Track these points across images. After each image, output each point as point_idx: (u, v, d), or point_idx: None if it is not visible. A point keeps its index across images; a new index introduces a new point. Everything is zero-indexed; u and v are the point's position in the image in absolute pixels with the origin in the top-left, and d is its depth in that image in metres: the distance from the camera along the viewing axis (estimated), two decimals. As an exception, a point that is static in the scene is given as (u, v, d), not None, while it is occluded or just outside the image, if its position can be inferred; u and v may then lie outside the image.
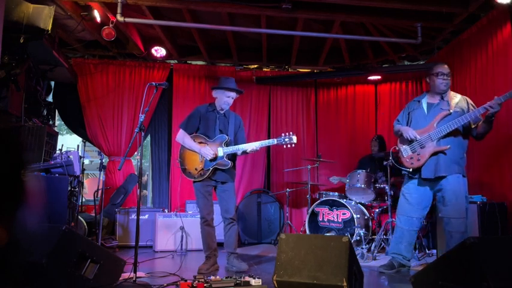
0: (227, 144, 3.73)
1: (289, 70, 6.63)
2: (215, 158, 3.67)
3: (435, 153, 3.45)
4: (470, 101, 3.58)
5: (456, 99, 3.55)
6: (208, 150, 3.65)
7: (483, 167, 4.55)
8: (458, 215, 3.37)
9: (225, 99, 3.80)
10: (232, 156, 3.79)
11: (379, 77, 6.41)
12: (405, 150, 3.62)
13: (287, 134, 3.76)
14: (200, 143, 3.74)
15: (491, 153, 4.39)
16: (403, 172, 3.72)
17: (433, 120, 3.51)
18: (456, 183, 3.41)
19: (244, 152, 3.74)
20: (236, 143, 3.80)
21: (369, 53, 6.04)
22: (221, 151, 3.69)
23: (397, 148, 3.72)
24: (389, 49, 5.88)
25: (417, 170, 3.56)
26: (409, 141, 3.59)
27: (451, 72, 3.62)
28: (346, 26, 5.31)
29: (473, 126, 3.47)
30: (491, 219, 3.89)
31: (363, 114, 6.63)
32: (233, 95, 3.85)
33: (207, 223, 3.75)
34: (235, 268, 3.67)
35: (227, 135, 3.76)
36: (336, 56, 6.25)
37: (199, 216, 3.85)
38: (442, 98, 3.59)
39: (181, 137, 3.80)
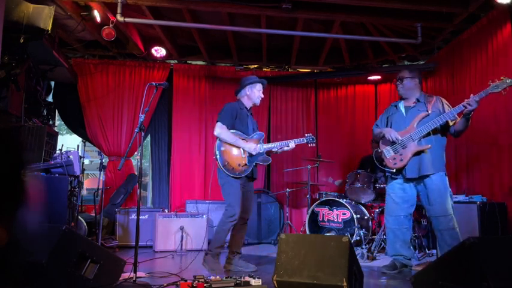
0: (263, 142, 3.83)
1: (289, 70, 6.62)
2: (256, 154, 3.74)
3: (417, 153, 3.50)
4: (444, 101, 3.63)
5: (432, 100, 3.62)
6: (253, 145, 3.71)
7: (483, 167, 4.55)
8: (445, 212, 3.42)
9: (258, 93, 3.86)
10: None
11: (379, 77, 6.41)
12: (388, 151, 3.67)
13: (309, 134, 3.96)
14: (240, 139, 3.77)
15: (492, 154, 4.39)
16: (387, 173, 3.78)
17: (412, 122, 3.57)
18: (440, 181, 3.47)
19: (274, 152, 3.90)
20: None
21: (369, 53, 6.04)
22: (262, 147, 3.76)
23: (379, 150, 3.76)
24: (389, 49, 5.88)
25: (400, 171, 3.62)
26: (391, 143, 3.64)
27: (406, 76, 3.71)
28: (346, 26, 5.31)
29: (451, 124, 3.50)
30: (491, 219, 3.89)
31: (363, 114, 6.63)
32: (261, 87, 3.93)
33: (236, 222, 3.62)
34: (242, 269, 3.62)
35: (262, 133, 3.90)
36: (336, 56, 6.25)
37: (229, 211, 3.59)
38: (418, 101, 3.66)
39: (223, 131, 3.70)
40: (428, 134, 3.49)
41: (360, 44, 5.95)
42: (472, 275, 2.13)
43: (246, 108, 3.89)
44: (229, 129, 3.72)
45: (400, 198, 3.64)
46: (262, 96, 3.93)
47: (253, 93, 3.86)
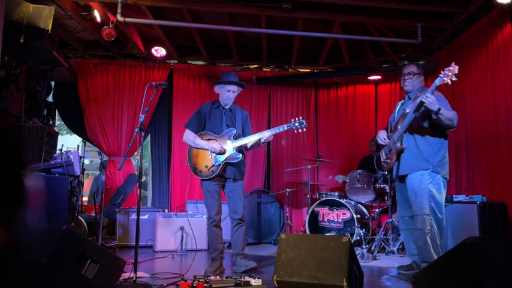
0: (236, 138, 3.67)
1: (289, 70, 6.62)
2: (224, 152, 3.61)
3: (400, 153, 3.47)
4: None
5: (417, 96, 3.36)
6: (216, 145, 3.60)
7: (483, 167, 4.55)
8: (419, 211, 3.30)
9: (226, 93, 3.73)
10: (241, 151, 3.72)
11: (379, 77, 6.41)
12: (381, 154, 3.70)
13: (297, 118, 3.67)
14: (208, 139, 3.68)
15: (492, 153, 4.38)
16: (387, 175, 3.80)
17: (397, 121, 3.54)
18: (416, 180, 3.34)
19: (256, 145, 3.71)
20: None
21: (369, 53, 6.04)
22: (230, 144, 3.63)
23: (378, 153, 3.81)
24: (389, 49, 5.88)
25: (391, 172, 3.63)
26: (384, 145, 3.65)
27: (412, 72, 3.51)
28: (346, 26, 5.31)
29: (434, 117, 3.26)
30: (491, 219, 3.89)
31: (363, 114, 6.63)
32: (234, 88, 3.75)
33: (214, 224, 3.64)
34: (244, 268, 3.58)
35: (235, 129, 3.71)
36: (336, 56, 6.25)
37: (206, 216, 3.76)
38: (409, 98, 3.56)
39: (188, 136, 3.73)
40: (411, 132, 3.39)
41: (360, 44, 5.95)
42: (472, 275, 2.13)
43: (222, 106, 3.79)
44: (198, 131, 3.72)
45: (400, 199, 3.65)
46: (232, 98, 3.76)
47: (222, 94, 3.76)
